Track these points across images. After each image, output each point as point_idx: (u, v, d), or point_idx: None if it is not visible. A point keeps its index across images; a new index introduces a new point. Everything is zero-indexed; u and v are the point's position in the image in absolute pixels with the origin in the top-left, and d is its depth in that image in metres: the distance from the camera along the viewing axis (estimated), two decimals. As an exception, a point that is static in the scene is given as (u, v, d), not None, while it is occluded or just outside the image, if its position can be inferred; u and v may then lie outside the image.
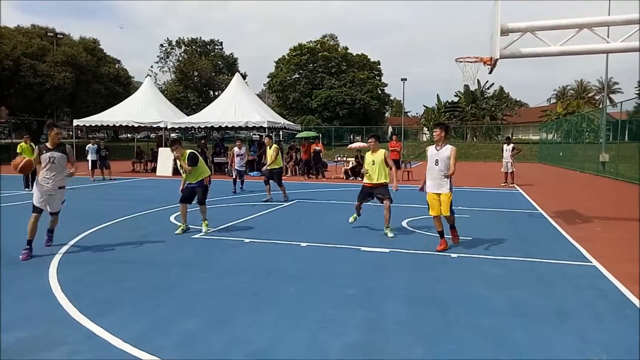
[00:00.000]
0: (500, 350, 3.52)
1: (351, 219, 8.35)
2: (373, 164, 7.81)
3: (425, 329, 3.92)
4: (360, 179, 19.02)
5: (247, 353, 3.47)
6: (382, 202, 7.80)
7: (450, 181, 6.70)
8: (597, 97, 55.88)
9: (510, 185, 16.29)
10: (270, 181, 12.05)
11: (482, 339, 3.73)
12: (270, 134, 17.67)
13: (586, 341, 3.69)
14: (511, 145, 16.77)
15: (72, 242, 7.06)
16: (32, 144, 15.27)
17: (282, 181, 12.11)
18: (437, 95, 57.23)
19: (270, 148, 11.98)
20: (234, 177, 14.03)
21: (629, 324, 4.04)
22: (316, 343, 3.65)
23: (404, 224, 8.72)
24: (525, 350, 3.53)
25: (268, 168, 11.94)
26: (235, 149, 13.91)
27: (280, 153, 12.27)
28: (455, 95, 56.32)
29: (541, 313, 4.27)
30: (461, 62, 9.18)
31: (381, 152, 7.83)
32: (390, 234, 7.61)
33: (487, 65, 8.93)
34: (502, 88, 55.11)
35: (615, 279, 5.31)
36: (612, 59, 28.52)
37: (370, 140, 8.06)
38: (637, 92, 49.74)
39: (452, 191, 6.75)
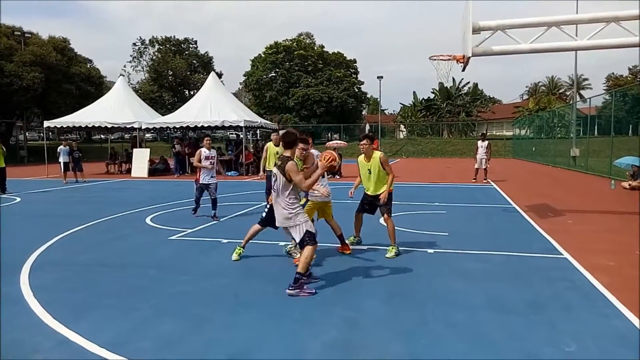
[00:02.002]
0: (475, 344, 3.60)
1: (349, 239, 6.78)
2: (369, 174, 6.35)
3: (402, 325, 3.97)
4: (338, 177, 19.05)
5: (226, 354, 3.46)
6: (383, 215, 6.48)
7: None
8: (567, 93, 57.30)
9: (484, 181, 16.58)
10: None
11: (457, 333, 3.80)
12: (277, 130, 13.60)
13: (557, 332, 3.80)
14: (487, 142, 16.93)
15: (44, 247, 6.89)
16: (2, 146, 14.82)
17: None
18: (414, 92, 57.70)
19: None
20: (196, 194, 9.35)
21: (597, 313, 4.18)
22: (296, 342, 3.66)
23: (381, 221, 8.78)
24: (499, 342, 3.62)
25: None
26: (204, 149, 9.31)
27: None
28: (431, 92, 57.01)
29: (515, 306, 4.38)
30: (435, 60, 9.30)
31: (377, 158, 6.27)
32: (388, 255, 6.22)
33: (460, 63, 9.06)
34: (477, 85, 56.05)
35: (585, 270, 5.48)
36: (582, 55, 29.34)
37: (362, 142, 6.33)
38: (605, 87, 51.29)
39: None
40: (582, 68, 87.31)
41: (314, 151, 6.05)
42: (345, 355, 3.46)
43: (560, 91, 59.16)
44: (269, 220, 5.86)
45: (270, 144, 9.07)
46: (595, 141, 23.56)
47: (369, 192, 6.46)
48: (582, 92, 55.37)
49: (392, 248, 6.27)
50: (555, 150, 26.55)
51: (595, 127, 26.71)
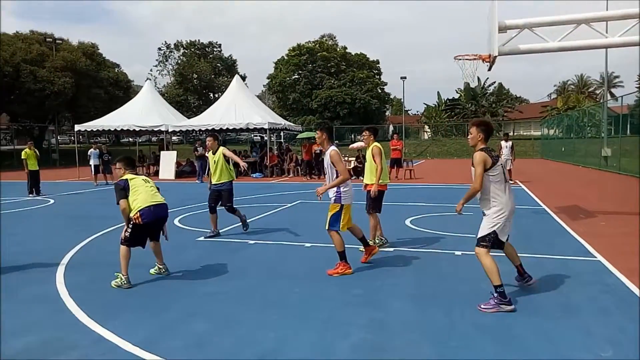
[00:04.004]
0: (505, 347, 3.55)
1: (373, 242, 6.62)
2: (367, 162, 6.80)
3: (430, 327, 3.94)
4: (361, 178, 19.03)
5: (254, 353, 3.50)
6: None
7: (339, 190, 5.47)
8: (597, 92, 55.76)
9: (511, 182, 16.26)
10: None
11: (486, 335, 3.75)
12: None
13: (592, 336, 3.70)
14: (510, 142, 16.67)
15: (77, 247, 7.10)
16: (35, 150, 15.32)
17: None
18: (438, 92, 57.12)
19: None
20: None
21: (634, 318, 4.06)
22: (323, 343, 3.67)
23: (407, 222, 8.74)
24: (531, 345, 3.55)
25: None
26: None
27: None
28: (456, 92, 56.33)
29: (547, 309, 4.29)
30: (460, 59, 9.19)
31: (370, 147, 6.61)
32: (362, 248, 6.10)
33: (486, 62, 8.94)
34: (502, 84, 55.17)
35: (620, 273, 5.33)
36: (613, 53, 28.53)
37: (363, 133, 6.85)
38: (638, 85, 49.69)
39: (340, 202, 5.46)
40: (613, 66, 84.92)
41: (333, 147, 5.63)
42: (373, 356, 3.46)
43: (590, 90, 57.63)
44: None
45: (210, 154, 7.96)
46: (627, 140, 22.80)
47: (366, 182, 6.80)
48: (613, 90, 53.86)
49: (371, 241, 6.51)
50: (585, 150, 25.88)
51: (628, 126, 25.90)
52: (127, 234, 5.20)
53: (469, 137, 4.67)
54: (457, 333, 3.81)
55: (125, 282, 5.11)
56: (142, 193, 5.21)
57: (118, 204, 5.19)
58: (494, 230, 4.37)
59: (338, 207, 5.50)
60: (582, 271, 5.50)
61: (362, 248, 6.01)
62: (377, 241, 6.67)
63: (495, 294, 4.26)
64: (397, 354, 3.49)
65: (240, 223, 8.12)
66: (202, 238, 7.66)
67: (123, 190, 5.18)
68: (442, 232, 7.85)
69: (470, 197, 4.51)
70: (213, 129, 20.56)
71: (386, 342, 3.69)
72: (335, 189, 5.49)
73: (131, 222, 5.16)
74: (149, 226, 5.27)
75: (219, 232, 7.90)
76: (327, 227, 5.56)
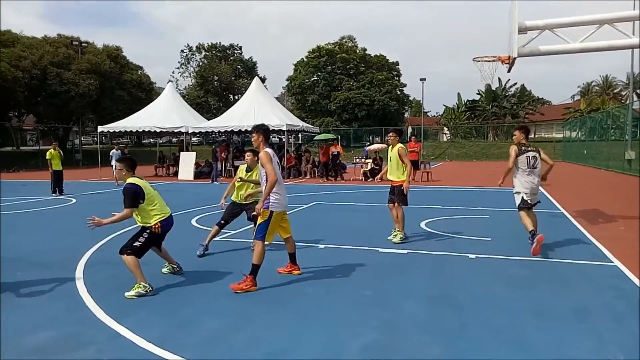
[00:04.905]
0: (515, 350, 3.54)
1: (394, 233, 7.38)
2: (390, 161, 7.37)
3: (441, 329, 3.95)
4: (378, 180, 19.01)
5: (266, 352, 3.56)
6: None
7: (268, 196, 5.11)
8: (623, 93, 54.43)
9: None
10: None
11: (497, 338, 3.74)
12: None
13: (604, 341, 3.67)
14: None
15: (97, 245, 7.28)
16: (60, 150, 15.73)
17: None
18: (458, 93, 56.27)
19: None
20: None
21: (649, 324, 3.99)
22: (334, 343, 3.72)
23: (422, 225, 8.72)
24: (541, 350, 3.54)
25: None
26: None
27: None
28: (476, 94, 55.66)
29: (559, 313, 4.26)
30: (479, 61, 9.14)
31: (395, 148, 7.23)
32: (394, 239, 7.20)
33: (506, 64, 8.87)
34: (524, 86, 54.25)
35: (636, 278, 5.24)
36: None
37: (389, 134, 7.48)
38: (665, 87, 48.30)
39: (269, 208, 5.12)
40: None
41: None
42: (383, 356, 3.48)
43: (615, 91, 56.28)
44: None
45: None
46: (653, 144, 22.25)
47: (391, 179, 7.40)
48: (639, 91, 52.49)
49: (399, 232, 7.26)
50: (608, 153, 25.33)
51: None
52: (139, 243, 4.96)
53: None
54: (468, 335, 3.81)
55: (149, 288, 4.90)
56: (159, 202, 5.14)
57: (128, 207, 4.92)
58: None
59: (267, 214, 5.08)
60: (597, 276, 5.42)
61: (381, 249, 6.13)
62: (402, 235, 7.27)
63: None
64: (408, 355, 3.51)
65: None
66: (218, 238, 7.76)
67: (137, 198, 4.93)
68: (457, 234, 7.81)
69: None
70: (240, 130, 20.66)
71: (397, 343, 3.71)
72: (264, 194, 5.09)
73: (147, 232, 5.02)
74: (162, 236, 5.24)
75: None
76: (252, 236, 5.20)
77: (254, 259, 5.05)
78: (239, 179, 6.84)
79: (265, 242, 5.11)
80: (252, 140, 5.48)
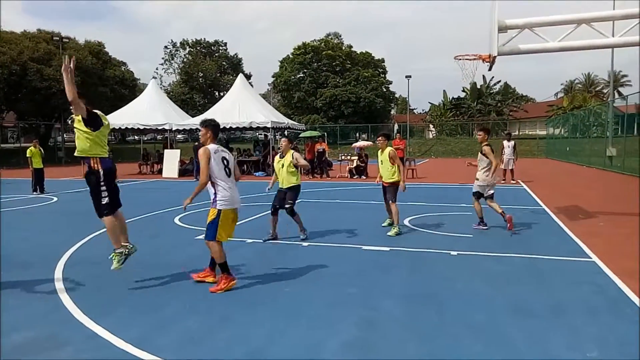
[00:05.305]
0: (493, 346, 3.58)
1: (387, 222, 8.36)
2: (382, 164, 7.99)
3: (421, 326, 3.98)
4: (364, 177, 19.08)
5: (245, 352, 3.55)
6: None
7: (216, 195, 5.03)
8: (605, 91, 55.35)
9: (513, 181, 16.28)
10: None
11: (475, 334, 3.78)
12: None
13: (580, 337, 3.73)
14: (512, 142, 16.71)
15: (78, 244, 7.18)
16: (40, 148, 15.47)
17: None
18: (444, 91, 56.70)
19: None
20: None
21: (624, 319, 4.07)
22: (313, 341, 3.72)
23: (405, 222, 8.76)
24: (518, 346, 3.58)
25: None
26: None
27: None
28: (462, 91, 56.10)
29: (537, 309, 4.32)
30: (460, 59, 9.19)
31: (386, 151, 7.95)
32: (389, 233, 7.66)
33: (486, 62, 8.93)
34: (507, 83, 54.91)
35: (613, 274, 5.34)
36: (622, 52, 28.26)
37: (378, 139, 8.20)
38: (644, 85, 49.24)
39: (217, 207, 4.98)
40: (621, 65, 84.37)
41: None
42: (362, 354, 3.50)
43: (597, 89, 57.22)
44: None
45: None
46: (633, 140, 22.66)
47: (383, 180, 8.05)
48: (620, 89, 53.43)
49: (394, 228, 7.71)
50: (590, 150, 25.74)
51: (635, 125, 25.69)
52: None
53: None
54: (447, 332, 3.85)
55: (126, 249, 5.18)
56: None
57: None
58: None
59: (215, 212, 4.95)
60: (575, 272, 5.52)
61: (365, 247, 6.36)
62: (397, 230, 7.71)
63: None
64: (386, 353, 3.53)
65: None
66: (201, 237, 7.71)
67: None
68: (439, 232, 7.88)
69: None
70: (224, 127, 20.49)
71: (376, 340, 3.73)
72: (212, 190, 5.00)
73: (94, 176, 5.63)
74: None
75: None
76: (204, 237, 5.03)
77: (216, 260, 4.99)
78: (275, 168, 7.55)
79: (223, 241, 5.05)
80: (200, 134, 5.25)
